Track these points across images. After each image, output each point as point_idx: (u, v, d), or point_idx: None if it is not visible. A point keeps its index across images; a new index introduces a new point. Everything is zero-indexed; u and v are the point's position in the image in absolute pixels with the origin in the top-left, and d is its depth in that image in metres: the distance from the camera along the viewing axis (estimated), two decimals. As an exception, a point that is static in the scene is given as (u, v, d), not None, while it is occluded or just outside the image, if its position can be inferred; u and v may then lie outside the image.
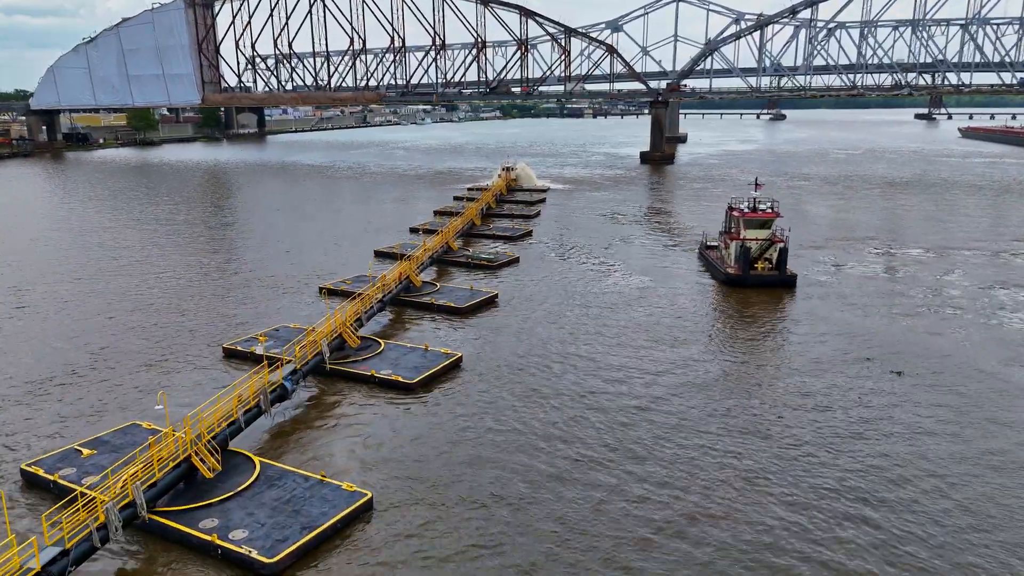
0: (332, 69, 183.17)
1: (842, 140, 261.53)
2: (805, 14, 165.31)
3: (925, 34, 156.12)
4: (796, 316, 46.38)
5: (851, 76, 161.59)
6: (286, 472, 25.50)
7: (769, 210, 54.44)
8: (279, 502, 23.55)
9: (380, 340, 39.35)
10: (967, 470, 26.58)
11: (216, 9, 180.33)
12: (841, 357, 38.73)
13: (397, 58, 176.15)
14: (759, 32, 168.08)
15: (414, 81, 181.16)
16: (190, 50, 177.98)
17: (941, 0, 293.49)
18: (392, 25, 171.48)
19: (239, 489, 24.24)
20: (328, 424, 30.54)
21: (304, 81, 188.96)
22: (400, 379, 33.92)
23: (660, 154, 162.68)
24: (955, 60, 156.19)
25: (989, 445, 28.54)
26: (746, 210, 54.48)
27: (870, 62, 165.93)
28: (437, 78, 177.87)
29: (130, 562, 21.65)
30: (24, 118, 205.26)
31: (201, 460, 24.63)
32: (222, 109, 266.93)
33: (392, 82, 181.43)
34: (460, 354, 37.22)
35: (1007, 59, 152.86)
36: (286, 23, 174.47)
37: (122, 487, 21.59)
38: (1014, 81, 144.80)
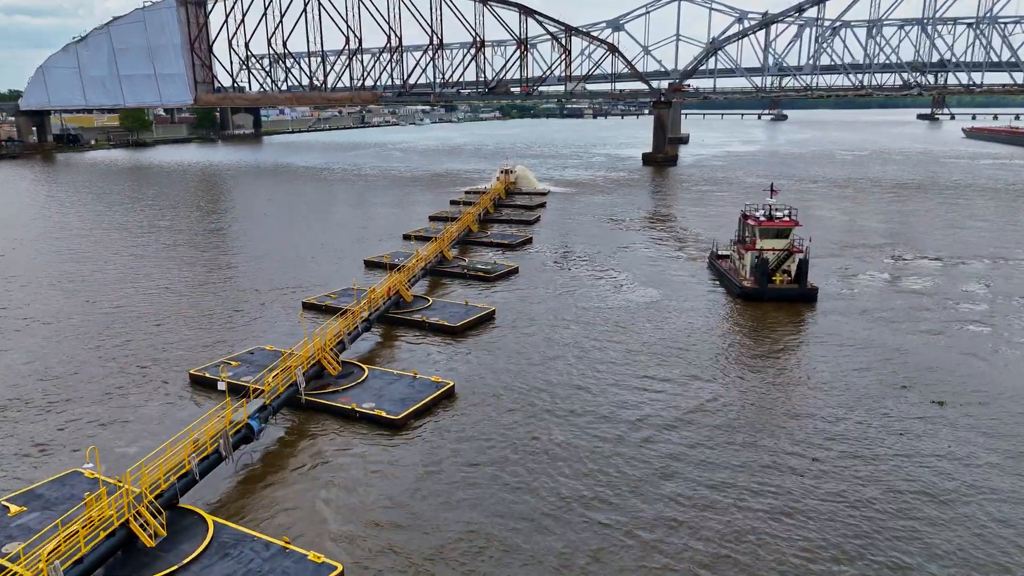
0: (328, 69, 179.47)
1: (846, 141, 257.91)
2: (811, 12, 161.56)
3: (935, 33, 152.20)
4: (819, 335, 42.61)
5: (858, 76, 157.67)
6: (244, 537, 21.69)
7: (787, 218, 50.67)
8: (232, 579, 19.78)
9: (364, 366, 35.53)
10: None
11: (209, 7, 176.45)
12: (875, 385, 34.97)
13: (394, 58, 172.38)
14: (764, 31, 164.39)
15: (411, 81, 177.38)
16: (182, 49, 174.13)
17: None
18: (389, 24, 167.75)
19: (185, 561, 20.43)
20: (299, 471, 26.72)
21: (299, 81, 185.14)
22: (384, 414, 30.11)
23: (663, 155, 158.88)
24: (965, 59, 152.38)
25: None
26: (762, 218, 50.71)
27: (878, 61, 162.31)
28: (435, 78, 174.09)
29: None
30: (13, 119, 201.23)
31: (143, 524, 20.84)
32: (217, 110, 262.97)
33: (389, 82, 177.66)
34: (452, 383, 33.42)
35: (1014, 59, 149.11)
36: (280, 22, 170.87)
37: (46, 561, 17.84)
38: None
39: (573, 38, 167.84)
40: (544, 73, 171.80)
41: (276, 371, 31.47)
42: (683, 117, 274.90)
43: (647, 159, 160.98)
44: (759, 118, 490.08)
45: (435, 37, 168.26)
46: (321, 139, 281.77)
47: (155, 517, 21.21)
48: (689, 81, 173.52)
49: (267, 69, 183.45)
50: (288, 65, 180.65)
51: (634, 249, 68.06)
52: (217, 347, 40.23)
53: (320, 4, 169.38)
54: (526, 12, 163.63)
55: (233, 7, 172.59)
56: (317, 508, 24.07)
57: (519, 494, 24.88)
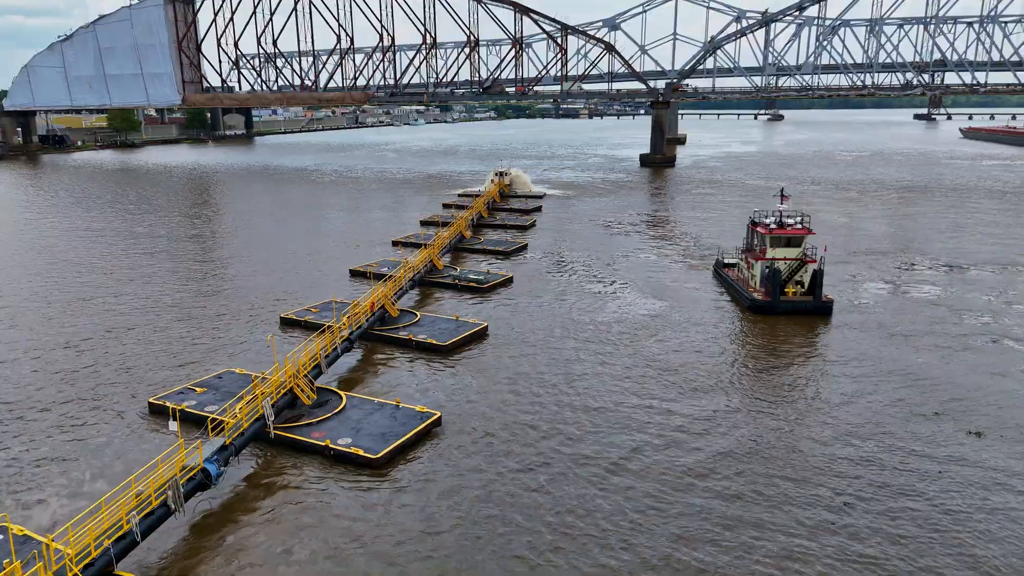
0: (319, 68, 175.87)
1: (845, 141, 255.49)
2: (811, 11, 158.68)
3: (937, 31, 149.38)
4: (838, 353, 39.42)
5: (860, 75, 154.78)
6: (187, 615, 18.36)
7: (799, 226, 47.49)
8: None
9: (341, 393, 32.17)
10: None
11: (197, 6, 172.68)
12: (903, 411, 31.79)
13: (387, 57, 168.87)
14: (763, 30, 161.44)
15: (404, 81, 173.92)
16: (170, 48, 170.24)
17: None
18: (381, 23, 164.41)
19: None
20: (258, 525, 23.36)
21: (290, 81, 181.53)
22: (361, 453, 26.79)
23: (661, 156, 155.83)
24: (969, 59, 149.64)
25: None
26: (772, 226, 47.52)
27: (879, 61, 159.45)
28: (429, 78, 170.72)
29: None
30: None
31: (66, 603, 17.50)
32: (208, 110, 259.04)
33: (382, 82, 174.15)
34: (438, 414, 30.09)
35: (1017, 57, 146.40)
36: (270, 20, 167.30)
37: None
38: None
39: (569, 37, 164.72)
40: (540, 73, 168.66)
41: (243, 401, 28.18)
42: (680, 117, 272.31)
43: (645, 160, 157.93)
44: (755, 118, 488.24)
45: (428, 36, 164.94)
46: (314, 140, 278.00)
47: (80, 595, 17.86)
48: (687, 81, 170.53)
49: (257, 69, 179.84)
50: (279, 65, 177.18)
51: (634, 256, 64.86)
52: (185, 370, 36.82)
53: (311, 2, 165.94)
54: (521, 10, 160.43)
55: (222, 5, 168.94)
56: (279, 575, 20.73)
57: (513, 548, 21.61)
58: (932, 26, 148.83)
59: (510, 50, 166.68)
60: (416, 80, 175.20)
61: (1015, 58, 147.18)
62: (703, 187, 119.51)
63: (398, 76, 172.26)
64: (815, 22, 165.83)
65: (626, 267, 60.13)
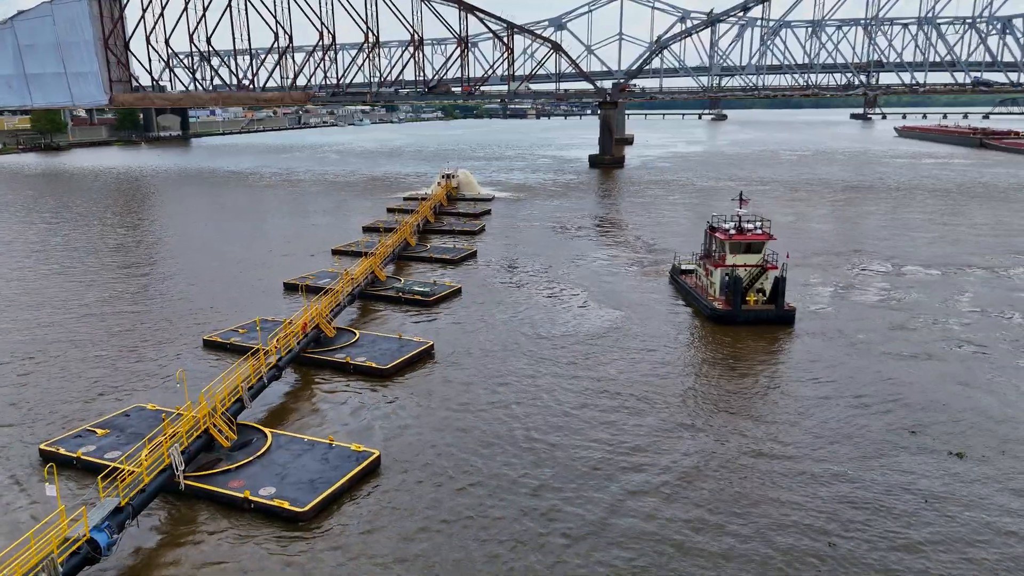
0: (256, 67, 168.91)
1: (787, 141, 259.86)
2: (756, 12, 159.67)
3: (876, 32, 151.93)
4: (804, 367, 37.37)
5: (804, 75, 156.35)
6: None
7: (759, 231, 45.52)
8: None
9: (266, 431, 28.42)
10: None
11: (124, 1, 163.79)
12: (880, 431, 29.76)
13: (327, 56, 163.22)
14: (709, 30, 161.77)
15: (346, 80, 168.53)
16: (95, 46, 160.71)
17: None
18: (321, 20, 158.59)
19: None
20: (162, 602, 19.66)
21: (226, 81, 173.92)
22: (287, 506, 23.22)
23: (610, 157, 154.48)
24: (904, 60, 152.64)
25: None
26: (731, 231, 45.44)
27: (819, 61, 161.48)
28: (372, 77, 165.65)
29: None
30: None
31: None
32: (140, 110, 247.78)
33: (323, 82, 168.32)
34: (377, 452, 26.68)
35: (951, 58, 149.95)
36: (203, 17, 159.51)
37: None
38: (968, 81, 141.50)
39: (516, 36, 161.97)
40: (486, 72, 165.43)
41: (149, 446, 24.28)
42: (626, 117, 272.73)
43: (594, 161, 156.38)
44: (700, 118, 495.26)
45: (371, 34, 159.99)
46: (254, 141, 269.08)
47: None
48: (634, 81, 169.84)
49: (191, 67, 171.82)
50: (215, 64, 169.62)
51: (588, 262, 62.32)
52: (92, 406, 32.43)
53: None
54: (467, 8, 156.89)
55: (151, 1, 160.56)
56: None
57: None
58: (872, 27, 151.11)
59: (455, 49, 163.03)
60: (359, 80, 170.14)
61: (951, 58, 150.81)
62: (653, 188, 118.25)
63: (340, 76, 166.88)
64: (757, 23, 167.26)
65: (579, 274, 57.50)
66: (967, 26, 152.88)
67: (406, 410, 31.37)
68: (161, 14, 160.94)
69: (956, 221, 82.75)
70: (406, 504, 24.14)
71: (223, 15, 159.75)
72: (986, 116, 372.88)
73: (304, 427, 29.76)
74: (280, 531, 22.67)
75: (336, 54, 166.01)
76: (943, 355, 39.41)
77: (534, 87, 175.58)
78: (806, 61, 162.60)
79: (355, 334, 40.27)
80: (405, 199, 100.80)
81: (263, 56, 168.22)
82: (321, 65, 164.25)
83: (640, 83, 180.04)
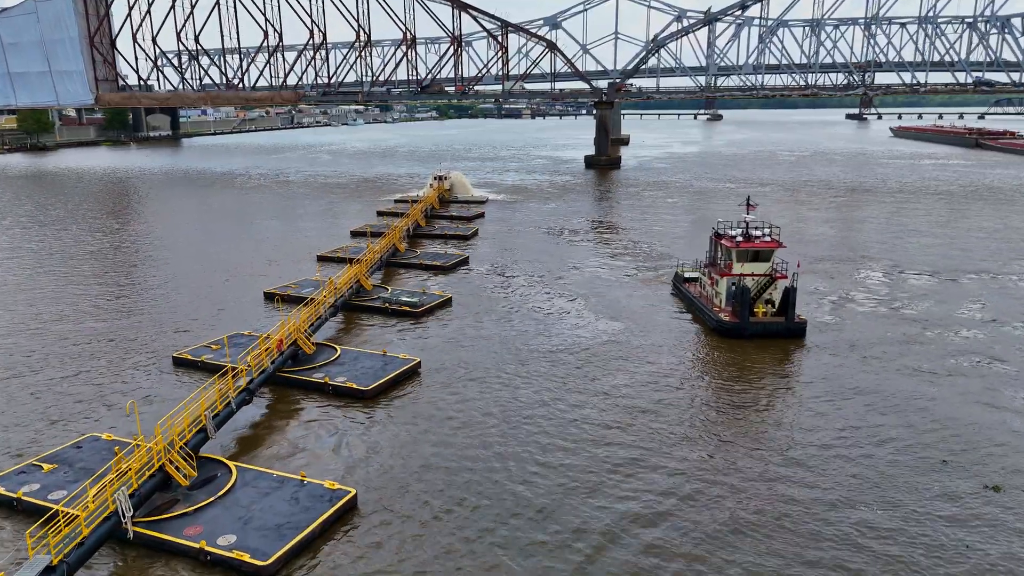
0: (246, 66, 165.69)
1: (783, 141, 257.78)
2: (754, 11, 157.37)
3: (877, 31, 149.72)
4: (818, 384, 34.77)
5: (803, 75, 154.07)
6: None
7: (768, 238, 42.91)
8: None
9: (231, 465, 25.61)
10: None
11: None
12: (907, 461, 27.18)
13: (318, 55, 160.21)
14: (706, 29, 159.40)
15: (338, 80, 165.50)
16: (81, 44, 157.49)
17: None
18: (312, 18, 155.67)
19: None
20: None
21: (216, 80, 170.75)
22: (247, 559, 20.43)
23: (606, 158, 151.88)
24: (901, 60, 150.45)
25: None
26: (739, 238, 42.80)
27: (818, 61, 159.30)
28: (364, 76, 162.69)
29: None
30: None
31: None
32: (129, 110, 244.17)
33: (315, 81, 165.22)
34: (353, 491, 23.92)
35: (951, 57, 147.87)
36: (190, 14, 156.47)
37: None
38: (969, 80, 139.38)
39: (510, 35, 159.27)
40: (480, 72, 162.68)
41: (99, 486, 21.52)
42: (622, 117, 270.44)
43: (590, 162, 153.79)
44: (695, 118, 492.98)
45: (363, 33, 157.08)
46: (246, 141, 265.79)
47: None
48: (631, 80, 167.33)
49: (179, 66, 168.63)
50: (205, 63, 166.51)
51: (585, 268, 59.63)
52: (41, 436, 29.55)
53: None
54: (460, 7, 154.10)
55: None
56: None
57: None
58: (873, 26, 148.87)
59: (449, 48, 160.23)
60: (351, 79, 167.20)
61: (949, 58, 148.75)
62: (651, 190, 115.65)
63: (331, 75, 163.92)
64: (754, 22, 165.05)
65: (577, 281, 54.80)
66: (966, 26, 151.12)
67: (388, 439, 28.56)
68: (148, 11, 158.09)
69: (963, 225, 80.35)
70: (384, 554, 21.38)
71: (211, 13, 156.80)
72: (981, 116, 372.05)
73: (274, 460, 26.94)
74: (239, 589, 19.90)
75: (327, 53, 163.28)
76: (962, 370, 36.96)
77: (529, 87, 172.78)
78: (804, 61, 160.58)
79: (336, 350, 37.47)
80: (396, 201, 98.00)
81: (253, 55, 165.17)
82: (312, 64, 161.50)
83: (636, 83, 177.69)
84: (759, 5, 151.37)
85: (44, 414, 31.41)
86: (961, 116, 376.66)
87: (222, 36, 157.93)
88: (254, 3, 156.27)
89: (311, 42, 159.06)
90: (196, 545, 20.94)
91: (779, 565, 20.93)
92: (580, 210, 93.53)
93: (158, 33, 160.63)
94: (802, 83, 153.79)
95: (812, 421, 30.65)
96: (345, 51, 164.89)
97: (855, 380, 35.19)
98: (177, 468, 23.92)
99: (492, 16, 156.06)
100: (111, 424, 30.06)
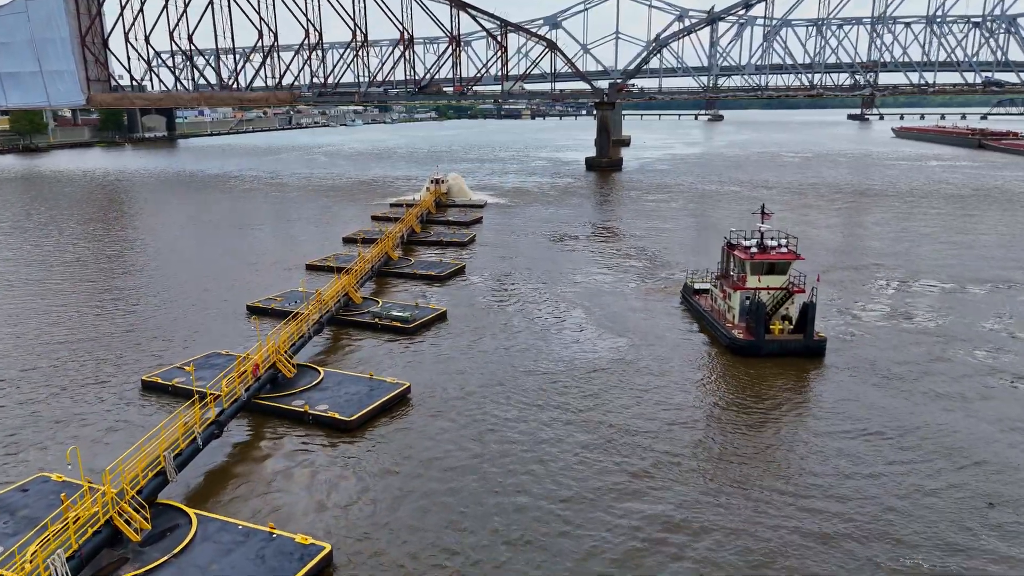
0: (240, 66, 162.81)
1: (786, 142, 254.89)
2: (757, 10, 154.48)
3: (883, 30, 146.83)
4: (841, 411, 31.92)
5: (808, 75, 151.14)
6: None
7: (784, 249, 40.05)
8: None
9: (191, 513, 22.69)
10: None
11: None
12: (949, 504, 24.36)
13: (314, 55, 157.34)
14: (708, 28, 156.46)
15: (335, 80, 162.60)
16: (72, 43, 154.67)
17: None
18: (307, 17, 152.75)
19: None
20: None
21: (210, 81, 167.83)
22: (199, 637, 17.57)
23: (607, 160, 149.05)
24: (916, 59, 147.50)
25: None
26: (753, 250, 39.94)
27: (822, 61, 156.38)
28: (360, 77, 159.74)
29: None
30: None
31: None
32: (125, 110, 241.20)
33: (311, 81, 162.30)
34: (328, 547, 21.02)
35: (957, 57, 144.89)
36: (183, 14, 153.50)
37: None
38: (978, 81, 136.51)
39: (510, 35, 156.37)
40: (479, 72, 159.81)
41: (31, 550, 18.66)
42: (622, 118, 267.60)
43: (591, 164, 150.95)
44: (696, 119, 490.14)
45: (359, 32, 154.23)
46: (242, 142, 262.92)
47: None
48: (632, 81, 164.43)
49: (172, 66, 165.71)
50: (200, 64, 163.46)
51: (587, 277, 56.77)
52: (-12, 469, 26.70)
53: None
54: (459, 6, 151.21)
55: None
56: None
57: None
58: (879, 26, 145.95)
59: (447, 48, 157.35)
60: (348, 79, 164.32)
61: (955, 58, 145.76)
62: (654, 193, 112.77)
63: (327, 75, 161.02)
64: (757, 21, 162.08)
65: (579, 292, 51.93)
66: (972, 25, 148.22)
67: (370, 483, 25.58)
68: (140, 10, 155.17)
69: (980, 230, 77.47)
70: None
71: (205, 12, 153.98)
72: (984, 117, 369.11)
73: (241, 505, 24.04)
74: (189, 674, 17.02)
75: (324, 53, 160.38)
76: (996, 394, 34.20)
77: (529, 87, 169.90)
78: (808, 60, 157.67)
79: (319, 373, 34.58)
80: (392, 205, 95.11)
81: (248, 55, 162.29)
82: (308, 64, 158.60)
83: (638, 83, 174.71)
84: (763, 4, 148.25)
85: (-6, 448, 28.52)
86: (963, 116, 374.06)
87: (216, 35, 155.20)
88: (248, 2, 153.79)
89: (307, 42, 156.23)
90: (143, 618, 18.10)
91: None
92: (582, 214, 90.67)
93: (151, 33, 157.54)
94: (806, 83, 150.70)
95: (837, 457, 27.74)
96: (342, 51, 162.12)
97: (882, 406, 32.35)
98: (128, 521, 21.03)
99: (491, 15, 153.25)
100: (67, 460, 27.17)
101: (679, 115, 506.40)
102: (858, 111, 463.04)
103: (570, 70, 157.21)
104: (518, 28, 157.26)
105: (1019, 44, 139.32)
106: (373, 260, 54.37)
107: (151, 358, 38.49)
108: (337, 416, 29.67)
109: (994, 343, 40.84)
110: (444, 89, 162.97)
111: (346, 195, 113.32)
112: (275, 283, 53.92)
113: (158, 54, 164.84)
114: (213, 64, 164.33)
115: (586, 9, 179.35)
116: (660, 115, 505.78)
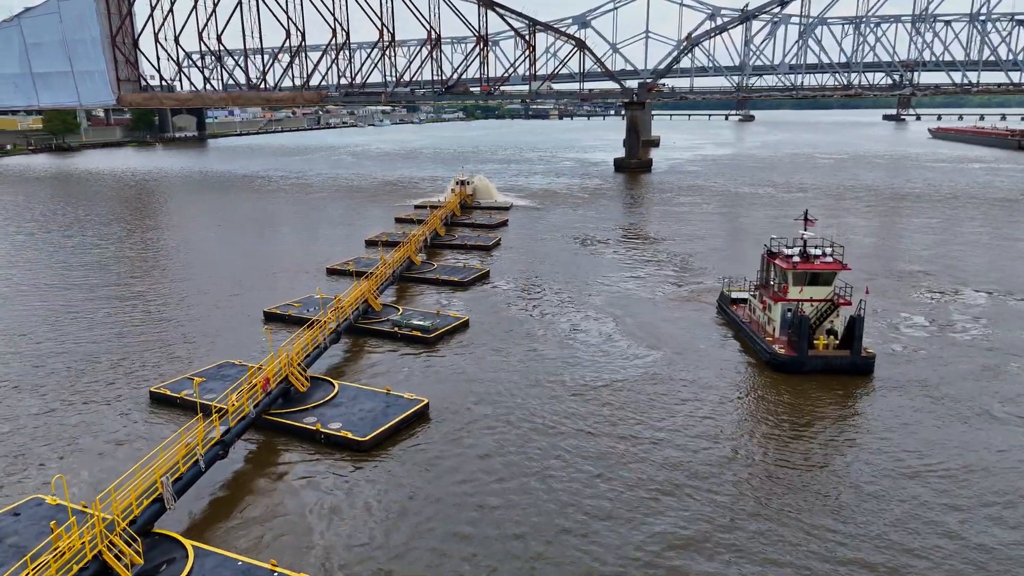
0: (268, 66, 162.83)
1: (819, 143, 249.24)
2: (793, 8, 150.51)
3: (927, 29, 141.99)
4: (892, 436, 29.40)
5: (846, 74, 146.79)
6: None
7: (829, 259, 37.44)
8: None
9: (188, 544, 20.99)
10: None
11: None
12: (1007, 545, 21.78)
13: (341, 55, 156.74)
14: (742, 27, 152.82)
15: (362, 80, 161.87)
16: (103, 44, 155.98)
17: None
18: (335, 17, 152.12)
19: None
20: None
21: (238, 81, 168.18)
22: None
23: (637, 161, 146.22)
24: (959, 58, 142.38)
25: None
26: (795, 259, 37.40)
27: (859, 60, 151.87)
28: (387, 76, 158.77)
29: None
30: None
31: None
32: (156, 110, 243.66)
33: (338, 81, 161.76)
34: (334, 590, 19.18)
35: (1002, 55, 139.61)
36: (212, 13, 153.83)
37: None
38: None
39: (538, 34, 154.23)
40: (507, 72, 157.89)
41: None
42: (651, 118, 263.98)
43: (620, 165, 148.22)
44: (726, 119, 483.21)
45: (387, 32, 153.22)
46: (271, 142, 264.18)
47: None
48: (663, 80, 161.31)
49: (201, 66, 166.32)
50: (229, 64, 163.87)
51: (617, 284, 54.49)
52: (-16, 487, 25.34)
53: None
54: (487, 4, 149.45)
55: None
56: None
57: None
58: (921, 24, 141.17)
59: (475, 47, 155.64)
60: (376, 79, 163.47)
61: (997, 56, 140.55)
62: (685, 195, 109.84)
63: (354, 75, 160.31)
64: (792, 19, 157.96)
65: (609, 300, 49.67)
66: (1016, 24, 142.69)
67: (380, 514, 23.64)
68: (170, 11, 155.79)
69: (1020, 234, 73.72)
70: None
71: (233, 12, 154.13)
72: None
73: (240, 534, 22.29)
74: None
75: (351, 53, 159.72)
76: (1064, 418, 31.28)
77: (556, 87, 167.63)
78: (844, 59, 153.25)
79: (334, 386, 32.82)
80: (416, 207, 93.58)
81: (276, 55, 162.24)
82: (335, 64, 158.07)
83: (668, 82, 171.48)
84: (798, 2, 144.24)
85: (-7, 464, 27.20)
86: (1003, 118, 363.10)
87: (244, 36, 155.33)
88: (277, 2, 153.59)
89: (334, 42, 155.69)
90: (125, 671, 16.36)
91: None
92: (610, 217, 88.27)
93: (180, 33, 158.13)
94: (843, 83, 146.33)
95: (888, 489, 25.24)
96: (369, 51, 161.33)
97: (936, 431, 29.85)
98: (120, 555, 19.37)
99: (520, 14, 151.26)
100: (67, 478, 25.71)
101: (709, 115, 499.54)
102: (893, 111, 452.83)
103: (599, 69, 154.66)
104: (547, 27, 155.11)
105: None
106: (394, 265, 52.65)
107: (165, 365, 37.19)
108: (350, 436, 27.86)
109: (1056, 361, 37.88)
110: (471, 89, 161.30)
111: (371, 196, 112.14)
112: (294, 288, 52.47)
113: (188, 54, 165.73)
114: (242, 64, 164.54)
115: (616, 8, 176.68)
116: (689, 115, 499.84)
